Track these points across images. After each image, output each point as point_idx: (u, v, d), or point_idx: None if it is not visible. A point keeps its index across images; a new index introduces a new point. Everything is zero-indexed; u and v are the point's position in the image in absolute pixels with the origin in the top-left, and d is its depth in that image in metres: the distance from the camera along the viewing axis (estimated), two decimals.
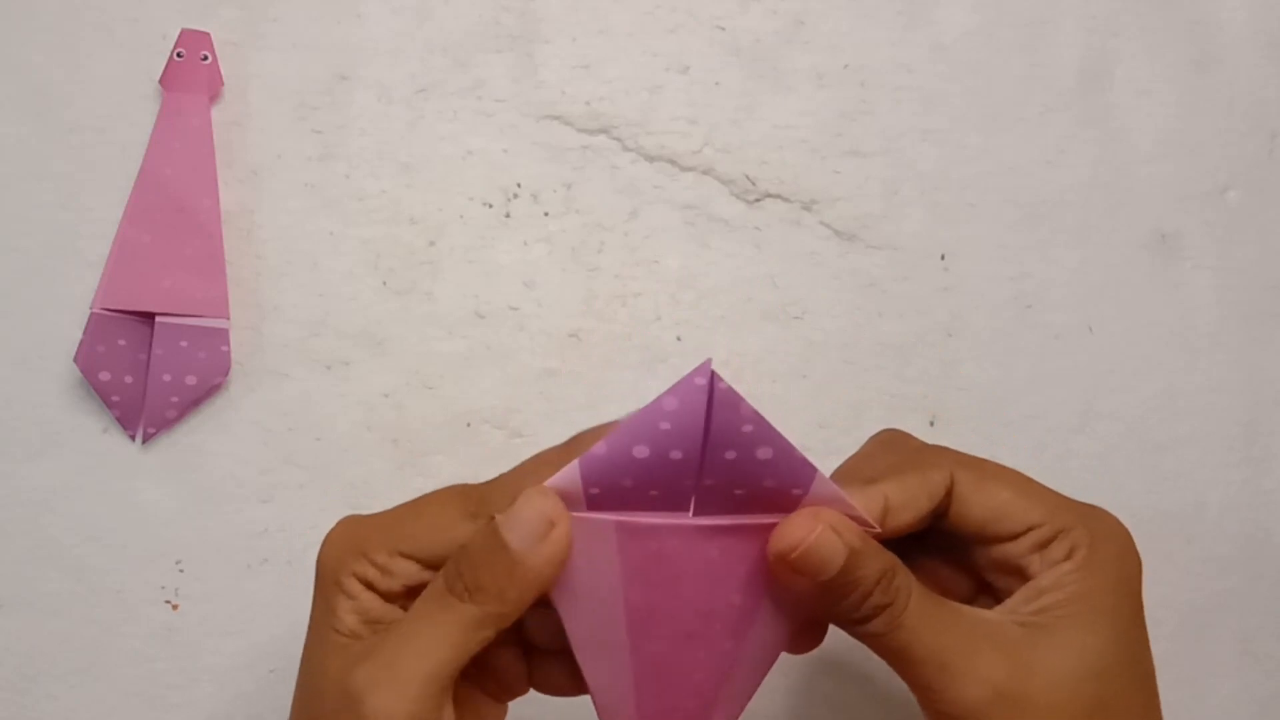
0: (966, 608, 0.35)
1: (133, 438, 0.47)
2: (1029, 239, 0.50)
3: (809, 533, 0.32)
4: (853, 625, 0.34)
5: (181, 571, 0.47)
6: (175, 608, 0.47)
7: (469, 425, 0.48)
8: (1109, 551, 0.35)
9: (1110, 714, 0.33)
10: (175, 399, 0.47)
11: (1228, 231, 0.51)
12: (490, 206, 0.49)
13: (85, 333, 0.47)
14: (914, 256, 0.49)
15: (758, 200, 0.49)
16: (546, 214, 0.49)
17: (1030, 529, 0.35)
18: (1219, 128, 0.51)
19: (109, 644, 0.46)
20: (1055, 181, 0.50)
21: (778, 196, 0.50)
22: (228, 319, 0.47)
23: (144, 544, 0.47)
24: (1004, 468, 0.37)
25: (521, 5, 0.50)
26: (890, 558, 0.34)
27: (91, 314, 0.47)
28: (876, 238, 0.49)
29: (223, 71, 0.49)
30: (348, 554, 0.35)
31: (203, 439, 0.47)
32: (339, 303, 0.48)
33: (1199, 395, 0.50)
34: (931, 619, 0.33)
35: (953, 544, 0.37)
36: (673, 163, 0.50)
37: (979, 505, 0.35)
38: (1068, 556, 0.35)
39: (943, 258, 0.50)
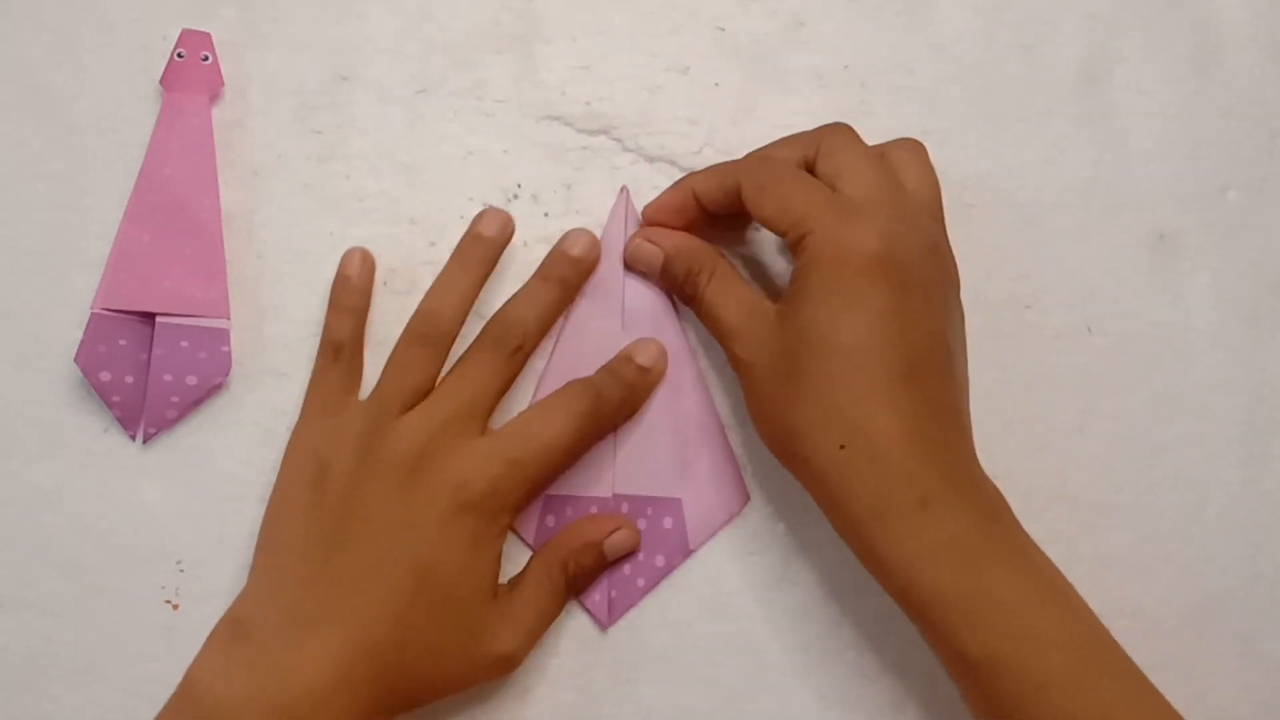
0: (753, 295, 0.45)
1: (133, 438, 0.47)
2: (1028, 239, 0.50)
3: (630, 243, 0.48)
4: (685, 303, 0.47)
5: (181, 571, 0.47)
6: (175, 608, 0.47)
7: None
8: (826, 253, 0.41)
9: (800, 379, 0.41)
10: (176, 399, 0.47)
11: (1227, 232, 0.51)
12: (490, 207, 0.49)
13: (86, 333, 0.47)
14: None
15: None
16: (547, 214, 0.49)
17: (787, 233, 0.43)
18: (1219, 128, 0.51)
19: (109, 644, 0.46)
20: (1055, 181, 0.50)
21: None
22: (228, 319, 0.47)
23: (144, 544, 0.47)
24: (784, 171, 0.44)
25: (521, 5, 0.50)
26: (698, 259, 0.46)
27: (92, 314, 0.47)
28: None
29: (223, 72, 0.49)
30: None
31: (203, 439, 0.47)
32: None
33: (1198, 395, 0.50)
34: (723, 302, 0.45)
35: None
36: (673, 163, 0.50)
37: (757, 214, 0.44)
38: (802, 253, 0.42)
39: None
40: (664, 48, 0.50)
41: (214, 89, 0.49)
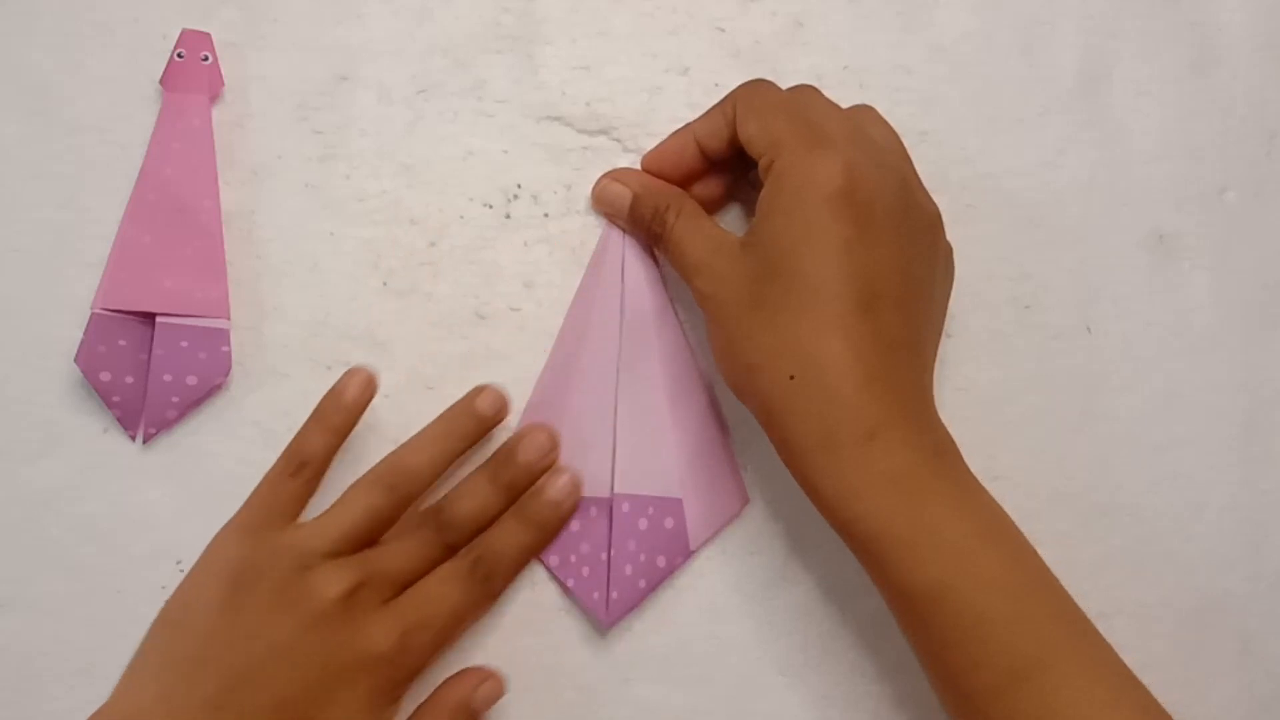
0: (719, 231, 0.45)
1: (133, 438, 0.47)
2: (1028, 239, 0.50)
3: (596, 185, 0.48)
4: (653, 245, 0.47)
5: (181, 571, 0.47)
6: None
7: None
8: (792, 181, 0.41)
9: (758, 308, 0.42)
10: (176, 399, 0.47)
11: (1226, 232, 0.51)
12: (490, 207, 0.49)
13: (86, 333, 0.47)
14: None
15: None
16: (547, 215, 0.49)
17: (761, 156, 0.43)
18: (1217, 129, 0.51)
19: (109, 644, 0.46)
20: (1054, 182, 0.51)
21: None
22: (228, 319, 0.47)
23: (144, 544, 0.47)
24: (776, 97, 0.44)
25: (522, 6, 0.50)
26: (665, 198, 0.46)
27: (92, 314, 0.47)
28: None
29: (223, 72, 0.49)
30: None
31: (203, 439, 0.47)
32: (339, 303, 0.48)
33: (1198, 395, 0.50)
34: (689, 239, 0.45)
35: None
36: None
37: (742, 133, 0.44)
38: (769, 179, 0.42)
39: None
40: (664, 48, 0.50)
41: (214, 89, 0.49)
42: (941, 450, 0.42)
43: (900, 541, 0.40)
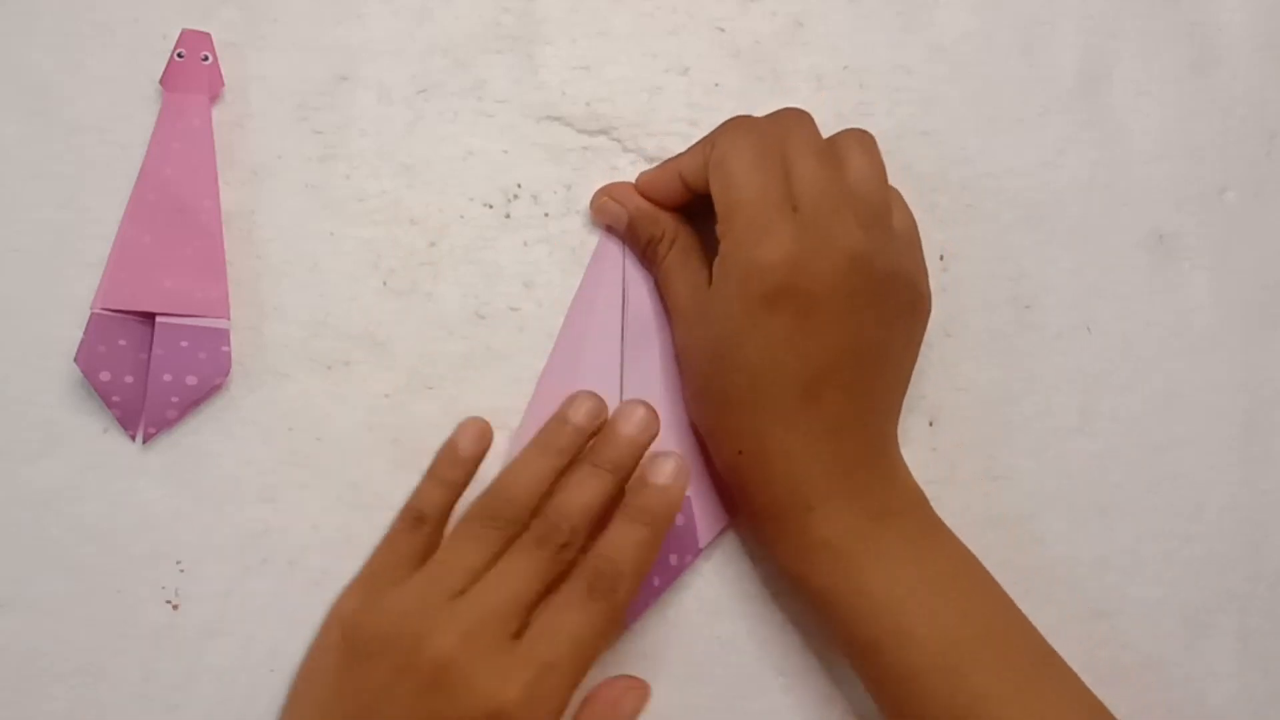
0: (697, 274, 0.45)
1: (133, 438, 0.47)
2: (1028, 239, 0.50)
3: (595, 199, 0.49)
4: (645, 265, 0.48)
5: (181, 571, 0.47)
6: (175, 608, 0.47)
7: None
8: (737, 268, 0.42)
9: (708, 382, 0.44)
10: (176, 399, 0.47)
11: (1226, 232, 0.51)
12: (490, 207, 0.49)
13: (86, 333, 0.47)
14: None
15: None
16: (547, 214, 0.49)
17: (718, 219, 0.43)
18: (1217, 129, 0.51)
19: (109, 644, 0.46)
20: (1054, 182, 0.51)
21: None
22: (228, 319, 0.47)
23: (144, 544, 0.47)
24: (745, 153, 0.43)
25: (522, 6, 0.50)
26: (660, 227, 0.47)
27: (92, 314, 0.47)
28: None
29: (223, 72, 0.49)
30: None
31: (203, 439, 0.47)
32: (339, 303, 0.48)
33: (1197, 395, 0.50)
34: (677, 277, 0.46)
35: None
36: None
37: (710, 185, 0.44)
38: (719, 255, 0.43)
39: (941, 258, 0.50)
40: (664, 48, 0.50)
41: (214, 89, 0.49)
42: (890, 510, 0.43)
43: (837, 603, 0.43)
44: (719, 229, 0.43)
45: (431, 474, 0.45)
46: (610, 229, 0.49)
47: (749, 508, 0.45)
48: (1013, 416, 0.49)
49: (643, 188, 0.48)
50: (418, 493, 0.44)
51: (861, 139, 0.44)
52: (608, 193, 0.48)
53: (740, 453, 0.43)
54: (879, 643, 0.42)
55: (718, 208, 0.43)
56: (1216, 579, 0.49)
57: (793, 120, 0.44)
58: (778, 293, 0.41)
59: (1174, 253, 0.51)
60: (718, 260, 0.43)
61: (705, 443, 0.46)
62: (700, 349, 0.44)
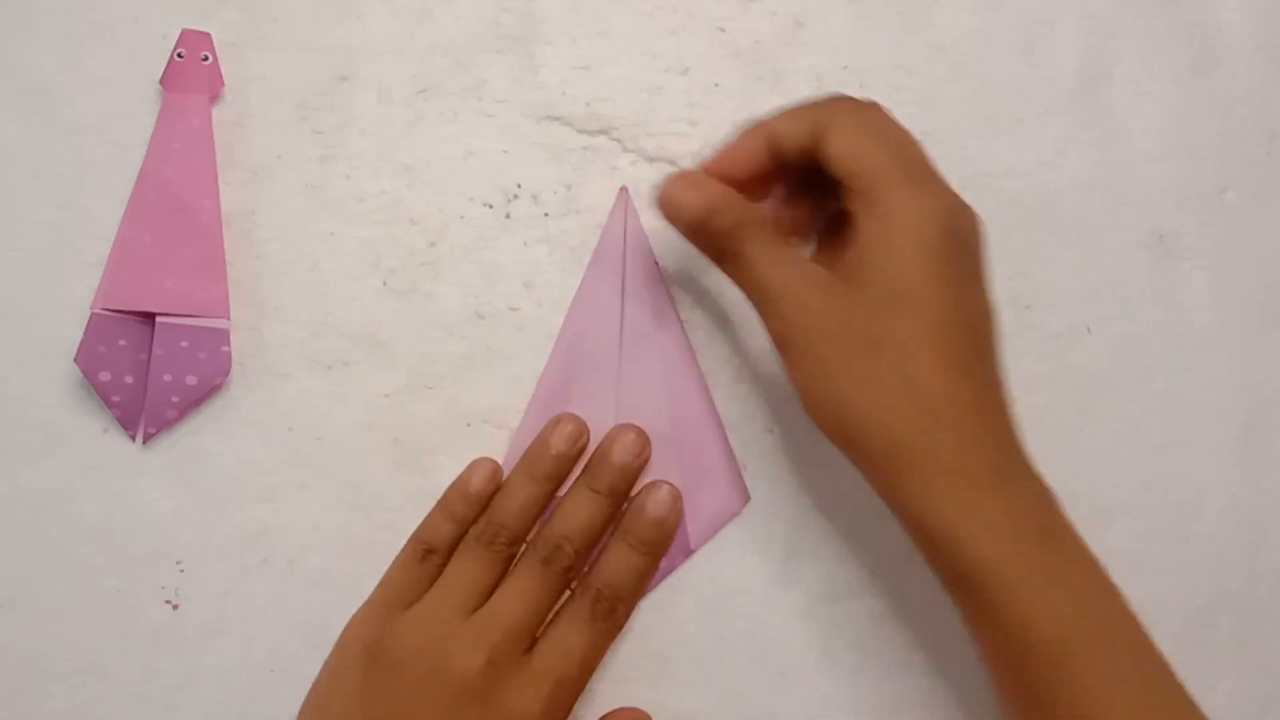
0: (802, 258, 0.42)
1: (133, 438, 0.47)
2: (1028, 239, 0.50)
3: (665, 189, 0.43)
4: (717, 262, 0.43)
5: (181, 571, 0.47)
6: (175, 608, 0.47)
7: (469, 425, 0.48)
8: (908, 220, 0.40)
9: (873, 354, 0.40)
10: (176, 399, 0.47)
11: (1226, 232, 0.51)
12: (490, 207, 0.49)
13: (86, 333, 0.47)
14: None
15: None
16: (547, 214, 0.49)
17: (854, 180, 0.41)
18: (1217, 129, 0.51)
19: (109, 644, 0.46)
20: (1054, 182, 0.51)
21: None
22: (228, 319, 0.47)
23: (144, 544, 0.47)
24: (867, 120, 0.42)
25: (522, 6, 0.50)
26: (742, 212, 0.42)
27: (92, 314, 0.47)
28: None
29: (223, 72, 0.49)
30: None
31: (203, 439, 0.47)
32: (339, 303, 0.48)
33: (1197, 395, 0.50)
34: (770, 261, 0.42)
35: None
36: (673, 164, 0.50)
37: (831, 150, 0.41)
38: (877, 215, 0.40)
39: None
40: (664, 48, 0.50)
41: (214, 89, 0.49)
42: (1050, 493, 0.41)
43: (1023, 586, 0.38)
44: (857, 188, 0.41)
45: (442, 506, 0.46)
46: (667, 211, 0.43)
47: (929, 481, 0.39)
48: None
49: (720, 163, 0.43)
50: (428, 525, 0.46)
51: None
52: (681, 180, 0.43)
53: (923, 419, 0.39)
54: (1072, 637, 0.38)
55: (851, 167, 0.41)
56: (1216, 579, 0.49)
57: (878, 109, 0.44)
58: (948, 238, 0.40)
59: (1174, 253, 0.51)
60: (875, 219, 0.40)
61: (847, 430, 0.41)
62: (835, 320, 0.40)
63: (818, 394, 0.41)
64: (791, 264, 0.42)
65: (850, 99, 0.44)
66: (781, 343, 0.42)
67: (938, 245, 0.40)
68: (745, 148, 0.43)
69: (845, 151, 0.41)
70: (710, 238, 0.43)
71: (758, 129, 0.43)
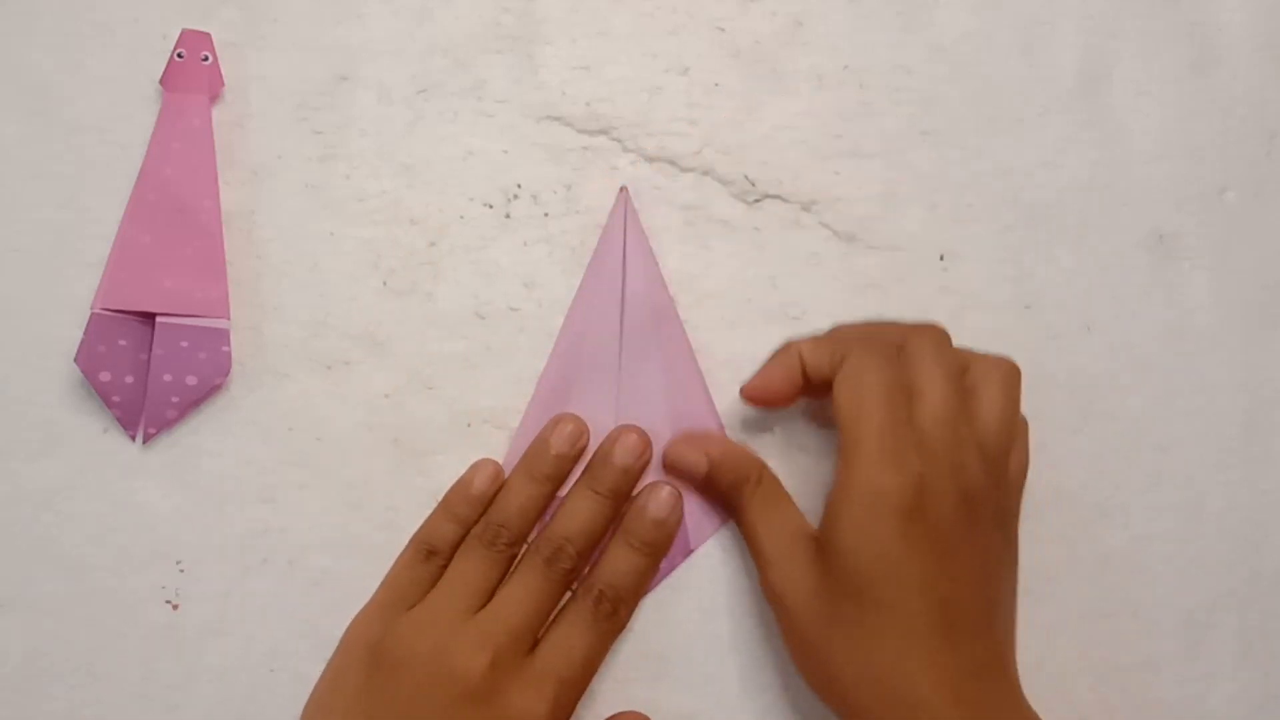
0: (795, 518, 0.45)
1: (133, 438, 0.47)
2: (1028, 239, 0.50)
3: (671, 449, 0.47)
4: (725, 510, 0.47)
5: (181, 571, 0.47)
6: (175, 608, 0.47)
7: (469, 425, 0.48)
8: (862, 492, 0.40)
9: (837, 625, 0.41)
10: (176, 399, 0.47)
11: (1226, 232, 0.51)
12: (490, 207, 0.49)
13: (86, 333, 0.47)
14: (913, 257, 0.50)
15: (757, 201, 0.50)
16: (547, 214, 0.49)
17: (841, 435, 0.42)
18: (1217, 129, 0.51)
19: (109, 644, 0.46)
20: (1054, 182, 0.51)
21: (777, 197, 0.50)
22: (228, 319, 0.47)
23: (144, 544, 0.47)
24: (877, 371, 0.42)
25: (521, 6, 0.50)
26: (743, 469, 0.46)
27: (92, 314, 0.47)
28: (876, 238, 0.50)
29: (223, 72, 0.49)
30: None
31: (203, 439, 0.47)
32: (339, 303, 0.48)
33: (1197, 395, 0.50)
34: (764, 519, 0.45)
35: None
36: (672, 163, 0.50)
37: (836, 393, 0.42)
38: (841, 484, 0.41)
39: (942, 258, 0.50)
40: (664, 48, 0.50)
41: (214, 89, 0.49)
42: None
43: None
44: (840, 445, 0.42)
45: (444, 507, 0.47)
46: (675, 469, 0.47)
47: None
48: None
49: (758, 387, 0.45)
50: (430, 526, 0.46)
51: (1004, 373, 0.44)
52: (687, 441, 0.47)
53: (881, 702, 0.40)
54: None
55: (841, 421, 0.42)
56: (1216, 579, 0.49)
57: (929, 340, 0.43)
58: (907, 518, 0.40)
59: (1174, 253, 0.51)
60: (839, 488, 0.41)
61: (827, 694, 0.43)
62: (811, 590, 0.42)
63: (804, 659, 0.43)
64: (783, 524, 0.45)
65: (873, 335, 0.44)
66: (770, 602, 0.44)
67: (893, 525, 0.40)
68: (779, 373, 0.45)
69: (839, 400, 0.42)
70: (713, 492, 0.47)
71: (789, 351, 0.45)
